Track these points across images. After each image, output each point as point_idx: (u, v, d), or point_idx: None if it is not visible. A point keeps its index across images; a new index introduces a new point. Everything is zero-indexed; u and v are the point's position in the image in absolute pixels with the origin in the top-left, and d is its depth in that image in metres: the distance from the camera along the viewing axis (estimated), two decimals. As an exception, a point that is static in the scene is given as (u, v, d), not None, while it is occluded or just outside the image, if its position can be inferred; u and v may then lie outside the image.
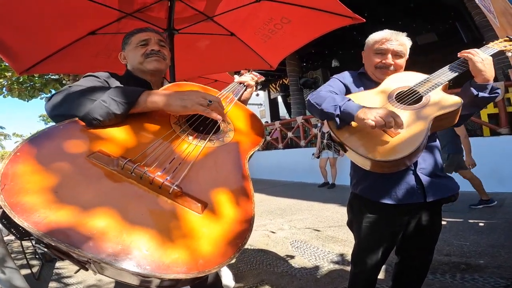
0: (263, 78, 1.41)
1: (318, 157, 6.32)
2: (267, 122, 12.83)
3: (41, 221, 0.52)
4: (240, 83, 1.20)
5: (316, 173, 6.60)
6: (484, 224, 3.24)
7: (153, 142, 0.74)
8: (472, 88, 1.12)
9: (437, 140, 1.28)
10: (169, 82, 1.22)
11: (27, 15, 1.69)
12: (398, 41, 1.28)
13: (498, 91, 1.16)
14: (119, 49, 2.26)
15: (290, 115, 11.89)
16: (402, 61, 1.31)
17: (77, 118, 0.74)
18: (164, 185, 0.64)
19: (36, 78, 5.96)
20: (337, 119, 1.10)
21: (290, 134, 8.38)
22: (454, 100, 1.08)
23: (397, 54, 1.28)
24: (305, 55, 10.85)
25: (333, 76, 1.42)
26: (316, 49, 9.75)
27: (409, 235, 1.25)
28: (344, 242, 3.03)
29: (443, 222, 3.18)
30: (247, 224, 0.68)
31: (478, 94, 1.11)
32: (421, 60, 10.70)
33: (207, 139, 0.81)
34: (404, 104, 1.12)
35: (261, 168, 8.14)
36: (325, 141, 6.30)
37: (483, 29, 6.07)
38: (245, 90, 1.20)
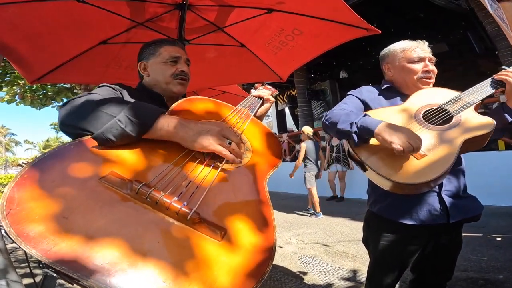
0: (277, 92, 1.38)
1: (325, 170, 6.22)
2: (275, 133, 12.82)
3: (50, 249, 0.49)
4: (256, 97, 1.14)
5: (325, 186, 6.50)
6: (501, 239, 3.14)
7: (168, 165, 0.70)
8: (506, 114, 1.08)
9: (463, 161, 1.21)
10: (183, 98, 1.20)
11: (40, 25, 1.70)
12: (428, 48, 1.27)
13: None
14: (129, 59, 2.28)
15: (297, 127, 11.87)
16: (435, 69, 1.27)
17: (88, 137, 0.70)
18: (182, 211, 0.60)
19: (49, 87, 6.06)
20: (355, 136, 1.05)
21: (297, 147, 8.32)
22: (487, 121, 1.02)
23: (431, 60, 1.26)
24: (313, 66, 10.86)
25: (349, 93, 1.36)
26: (324, 60, 9.76)
27: (428, 254, 1.21)
28: (355, 258, 2.93)
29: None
30: (268, 253, 0.63)
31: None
32: (432, 71, 10.67)
33: (224, 161, 0.76)
34: (432, 124, 1.06)
35: (271, 180, 8.07)
36: (334, 154, 6.23)
37: (496, 39, 6.00)
38: (262, 104, 1.15)
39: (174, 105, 0.90)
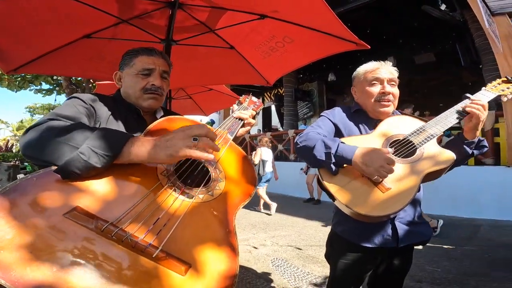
0: (262, 106, 1.38)
1: (306, 173, 6.35)
2: (259, 130, 12.84)
3: (17, 280, 0.50)
4: (237, 118, 1.12)
5: (303, 188, 6.63)
6: (459, 251, 3.32)
7: (137, 199, 0.69)
8: (465, 147, 1.13)
9: (421, 189, 1.27)
10: (163, 109, 1.17)
11: (20, 16, 1.62)
12: (389, 69, 1.27)
13: (485, 143, 1.18)
14: (113, 54, 2.22)
15: (282, 125, 11.94)
16: (397, 90, 1.28)
17: (52, 167, 0.68)
18: (147, 250, 0.61)
19: (28, 70, 5.77)
20: (333, 167, 1.09)
21: (280, 147, 8.41)
22: (447, 156, 1.08)
23: (391, 82, 1.26)
24: (303, 67, 10.94)
25: (323, 114, 1.38)
26: (314, 61, 9.81)
27: (381, 273, 1.32)
28: (324, 264, 3.04)
29: (419, 247, 3.23)
30: (231, 281, 0.67)
31: (472, 153, 1.13)
32: (417, 79, 11.00)
33: (197, 193, 0.77)
34: (398, 156, 1.11)
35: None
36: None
37: (482, 52, 6.18)
38: (242, 126, 1.13)
39: (152, 125, 0.89)
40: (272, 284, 2.61)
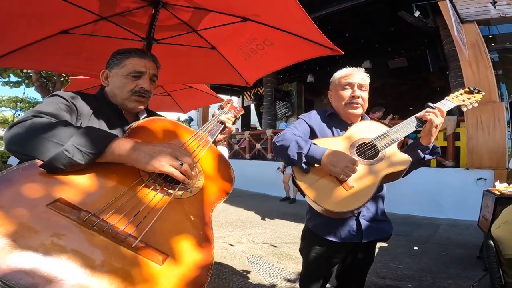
0: (242, 112, 1.42)
1: (283, 172, 6.49)
2: (237, 129, 12.87)
3: (0, 266, 0.52)
4: (219, 122, 1.16)
5: (279, 187, 6.77)
6: (419, 248, 3.53)
7: (119, 193, 0.73)
8: (419, 151, 1.25)
9: (384, 187, 1.40)
10: (146, 110, 1.18)
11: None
12: (361, 76, 1.38)
13: (439, 150, 1.30)
14: (90, 50, 2.19)
15: (261, 124, 12.05)
16: (366, 95, 1.40)
17: (37, 160, 0.70)
18: (127, 240, 0.65)
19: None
20: (304, 166, 1.19)
21: (258, 146, 8.51)
22: (404, 159, 1.20)
23: (362, 87, 1.37)
24: (282, 68, 11.09)
25: (300, 116, 1.48)
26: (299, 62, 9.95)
27: (346, 266, 1.45)
28: (298, 260, 3.14)
29: (385, 245, 3.44)
30: (206, 270, 0.72)
31: (424, 157, 1.25)
32: (390, 83, 11.48)
33: (176, 189, 0.82)
34: (362, 158, 1.22)
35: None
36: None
37: (450, 59, 6.38)
38: (223, 129, 1.17)
39: (136, 123, 0.92)
40: (248, 280, 2.69)
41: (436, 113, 1.19)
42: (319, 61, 9.86)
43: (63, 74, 9.90)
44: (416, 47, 8.72)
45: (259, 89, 12.65)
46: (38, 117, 0.80)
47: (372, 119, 1.49)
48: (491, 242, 1.23)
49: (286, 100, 11.84)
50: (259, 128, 12.54)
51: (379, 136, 1.26)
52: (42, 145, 0.71)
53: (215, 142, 1.14)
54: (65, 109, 0.92)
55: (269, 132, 8.27)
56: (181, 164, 0.79)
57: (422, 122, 1.24)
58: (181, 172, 0.80)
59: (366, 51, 9.13)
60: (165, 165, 0.77)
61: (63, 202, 0.66)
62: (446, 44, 6.48)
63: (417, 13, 5.34)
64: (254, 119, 14.62)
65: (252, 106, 14.29)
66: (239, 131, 11.36)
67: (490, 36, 7.28)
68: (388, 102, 10.58)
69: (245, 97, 14.19)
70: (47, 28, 1.84)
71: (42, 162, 0.70)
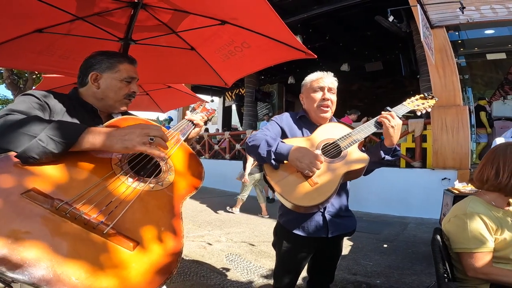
0: (214, 114, 1.50)
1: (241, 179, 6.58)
2: (217, 129, 12.85)
3: None
4: (190, 121, 1.23)
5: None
6: (387, 246, 3.71)
7: (91, 184, 0.76)
8: (381, 151, 1.36)
9: (348, 185, 1.51)
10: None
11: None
12: (330, 80, 1.48)
13: (399, 153, 1.42)
14: (64, 49, 2.17)
15: (241, 124, 12.10)
16: (335, 97, 1.49)
17: (12, 152, 0.73)
18: (99, 227, 0.69)
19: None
20: (273, 162, 1.27)
21: (238, 146, 8.57)
22: (362, 158, 1.30)
23: (331, 90, 1.47)
24: (265, 69, 11.17)
25: (272, 118, 1.57)
26: (272, 66, 10.09)
27: (316, 260, 1.53)
28: (275, 258, 3.24)
29: (357, 243, 3.59)
30: (176, 256, 0.76)
31: (384, 158, 1.36)
32: (367, 85, 11.89)
33: (147, 182, 0.86)
34: (327, 156, 1.32)
35: (208, 176, 8.09)
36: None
37: (420, 63, 6.61)
38: (194, 128, 1.24)
39: (109, 121, 0.96)
40: (226, 278, 2.73)
41: (388, 117, 1.31)
42: (300, 63, 9.99)
43: (35, 72, 9.51)
44: (391, 51, 9.05)
45: (240, 89, 12.70)
46: (10, 114, 0.82)
47: (338, 121, 1.60)
48: (438, 237, 1.29)
49: (267, 101, 11.96)
50: (240, 128, 12.58)
51: (343, 137, 1.36)
52: (16, 138, 0.74)
53: (188, 141, 1.20)
54: (38, 107, 0.95)
55: (249, 132, 8.35)
56: (152, 139, 0.82)
57: (380, 124, 1.35)
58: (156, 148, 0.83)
59: (345, 53, 9.37)
60: (136, 144, 0.81)
61: (37, 192, 0.69)
62: (418, 49, 6.70)
63: (391, 18, 5.51)
64: (235, 120, 14.64)
65: (234, 107, 14.31)
66: (220, 131, 11.36)
67: (459, 41, 7.50)
68: (365, 104, 10.98)
69: (226, 97, 14.18)
70: (21, 27, 1.82)
71: (17, 154, 0.73)
